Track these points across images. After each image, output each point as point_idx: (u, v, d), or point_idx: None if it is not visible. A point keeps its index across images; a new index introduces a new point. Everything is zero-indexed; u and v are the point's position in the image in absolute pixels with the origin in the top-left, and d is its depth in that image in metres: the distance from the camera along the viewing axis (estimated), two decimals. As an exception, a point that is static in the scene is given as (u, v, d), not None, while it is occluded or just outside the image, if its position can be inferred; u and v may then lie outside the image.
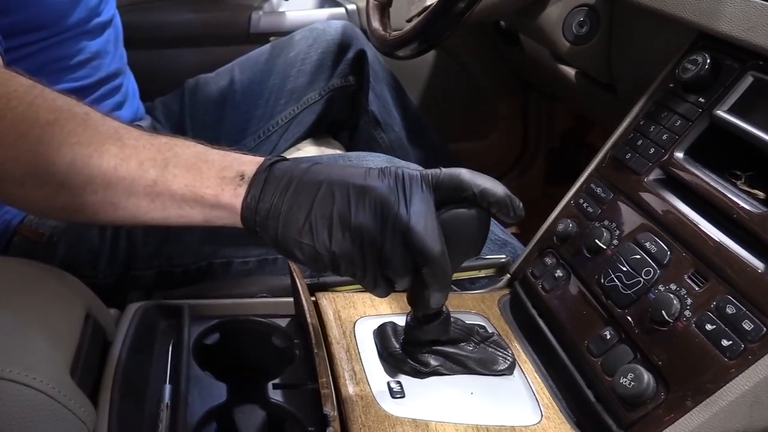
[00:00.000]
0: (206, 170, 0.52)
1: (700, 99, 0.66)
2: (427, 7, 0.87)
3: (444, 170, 0.51)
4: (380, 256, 0.49)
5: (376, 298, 0.69)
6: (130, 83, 0.99)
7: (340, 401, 0.57)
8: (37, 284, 0.52)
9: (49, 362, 0.46)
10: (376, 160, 0.88)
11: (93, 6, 0.85)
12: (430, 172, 0.51)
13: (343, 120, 1.22)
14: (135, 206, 0.53)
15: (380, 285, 0.52)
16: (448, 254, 0.50)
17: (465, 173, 0.51)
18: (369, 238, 0.49)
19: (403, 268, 0.50)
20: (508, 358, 0.63)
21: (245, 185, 0.51)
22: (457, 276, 0.77)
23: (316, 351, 0.56)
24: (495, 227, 0.94)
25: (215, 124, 1.13)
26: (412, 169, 0.52)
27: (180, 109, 1.11)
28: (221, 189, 0.52)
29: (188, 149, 0.53)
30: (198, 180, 0.52)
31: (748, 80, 0.63)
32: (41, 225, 0.77)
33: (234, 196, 0.51)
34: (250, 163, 0.53)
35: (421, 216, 0.49)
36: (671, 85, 0.71)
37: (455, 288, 0.82)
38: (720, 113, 0.63)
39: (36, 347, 0.46)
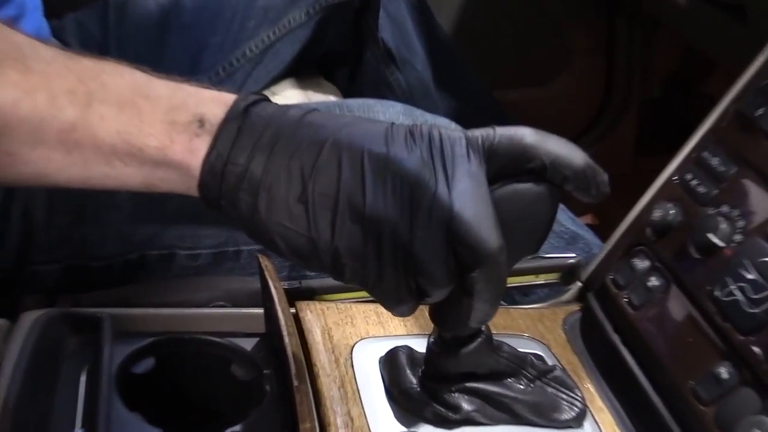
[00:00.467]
0: (149, 110, 0.52)
1: None
2: None
3: (499, 130, 0.52)
4: (408, 257, 0.50)
5: (384, 311, 0.70)
6: None
7: (330, 460, 0.58)
8: None
9: None
10: (389, 111, 0.89)
11: None
12: (480, 132, 0.52)
13: (340, 52, 1.24)
14: (43, 160, 0.53)
15: (405, 299, 0.52)
16: None
17: (529, 134, 0.52)
18: (392, 232, 0.49)
19: (445, 274, 0.51)
20: (577, 402, 0.64)
21: (207, 136, 0.51)
22: (505, 282, 0.79)
23: (296, 385, 0.57)
24: (561, 214, 0.95)
25: (153, 54, 1.14)
26: (451, 128, 0.52)
27: (102, 31, 1.12)
28: (170, 139, 0.52)
29: (123, 78, 0.53)
30: (136, 124, 0.51)
31: None
32: None
33: (189, 151, 0.51)
34: (214, 103, 0.52)
35: (470, 198, 0.49)
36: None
37: (501, 302, 0.83)
38: None
39: None
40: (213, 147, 0.51)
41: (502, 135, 0.52)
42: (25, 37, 0.54)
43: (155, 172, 0.53)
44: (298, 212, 0.49)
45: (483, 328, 0.60)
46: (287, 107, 0.54)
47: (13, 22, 0.92)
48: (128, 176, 0.53)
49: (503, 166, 0.51)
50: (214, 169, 0.51)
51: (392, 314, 0.54)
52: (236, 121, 0.51)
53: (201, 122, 0.52)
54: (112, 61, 0.54)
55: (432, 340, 0.61)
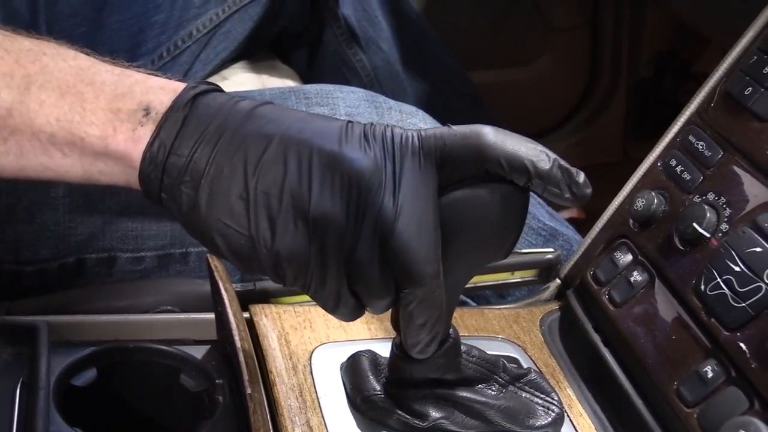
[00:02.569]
0: (92, 97, 0.53)
1: None
2: None
3: (455, 129, 0.53)
4: (350, 263, 0.52)
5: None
6: None
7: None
8: None
9: None
10: (349, 97, 0.90)
11: None
12: (434, 132, 0.53)
13: (297, 32, 1.24)
14: None
15: (345, 303, 0.54)
16: (461, 254, 0.54)
17: (487, 133, 0.53)
18: (337, 235, 0.51)
19: (382, 286, 0.53)
20: (553, 408, 0.65)
21: (151, 125, 0.53)
22: (476, 282, 0.80)
23: (249, 393, 0.58)
24: (538, 209, 0.96)
25: (88, 36, 1.13)
26: (407, 124, 0.53)
27: (30, 9, 1.11)
28: (113, 128, 0.53)
29: (65, 61, 0.54)
30: (77, 111, 0.53)
31: None
32: None
33: (131, 141, 0.53)
34: (163, 91, 0.54)
35: (412, 216, 0.51)
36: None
37: (472, 302, 0.85)
38: None
39: None
40: (156, 136, 0.52)
41: (457, 134, 0.53)
42: None
43: (96, 163, 0.54)
44: (239, 209, 0.51)
45: (450, 331, 0.62)
46: (238, 98, 0.55)
47: None
48: (67, 167, 0.55)
49: (459, 168, 0.52)
50: (155, 159, 0.52)
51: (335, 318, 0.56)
52: (183, 111, 0.52)
53: (146, 110, 0.53)
54: (54, 42, 0.56)
55: (396, 343, 0.62)
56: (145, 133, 0.53)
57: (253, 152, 0.51)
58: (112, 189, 0.79)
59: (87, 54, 0.55)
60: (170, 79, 0.55)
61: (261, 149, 0.51)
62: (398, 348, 0.62)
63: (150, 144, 0.52)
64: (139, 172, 0.53)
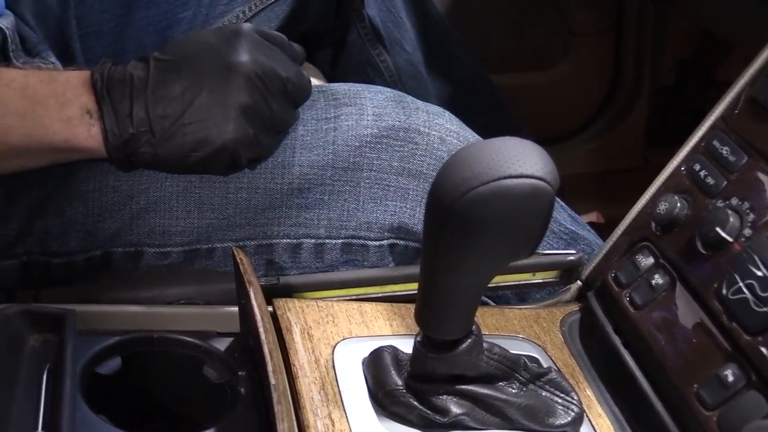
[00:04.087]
0: (45, 114, 0.72)
1: None
2: None
3: None
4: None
5: (368, 310, 0.73)
6: None
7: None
8: None
9: None
10: (377, 97, 0.90)
11: None
12: None
13: (322, 31, 1.25)
14: None
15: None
16: (486, 251, 0.55)
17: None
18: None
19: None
20: (573, 407, 0.65)
21: (97, 121, 0.74)
22: (498, 281, 0.80)
23: (273, 384, 0.59)
24: (560, 213, 0.97)
25: (117, 31, 1.14)
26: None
27: (61, 3, 1.12)
28: (71, 132, 0.74)
29: (11, 87, 0.72)
30: (40, 128, 0.72)
31: None
32: None
33: (90, 138, 0.74)
34: (84, 89, 0.74)
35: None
36: None
37: (491, 302, 0.85)
38: None
39: None
40: (105, 130, 0.75)
41: None
42: None
43: (65, 155, 0.76)
44: (194, 129, 0.76)
45: (473, 328, 0.62)
46: (123, 64, 0.79)
47: None
48: (41, 161, 0.77)
49: None
50: (115, 146, 0.76)
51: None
52: (107, 101, 0.75)
53: (89, 113, 0.75)
54: None
55: (419, 339, 0.63)
56: (97, 130, 0.75)
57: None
58: (140, 186, 0.81)
59: (14, 69, 0.76)
60: (80, 72, 0.78)
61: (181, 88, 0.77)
62: (421, 343, 0.62)
63: (105, 138, 0.76)
64: (109, 159, 0.78)
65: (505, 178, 0.53)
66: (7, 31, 0.96)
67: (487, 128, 0.94)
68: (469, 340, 0.62)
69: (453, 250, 0.57)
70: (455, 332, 0.61)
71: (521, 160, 0.53)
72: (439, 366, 0.62)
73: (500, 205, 0.53)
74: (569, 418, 0.65)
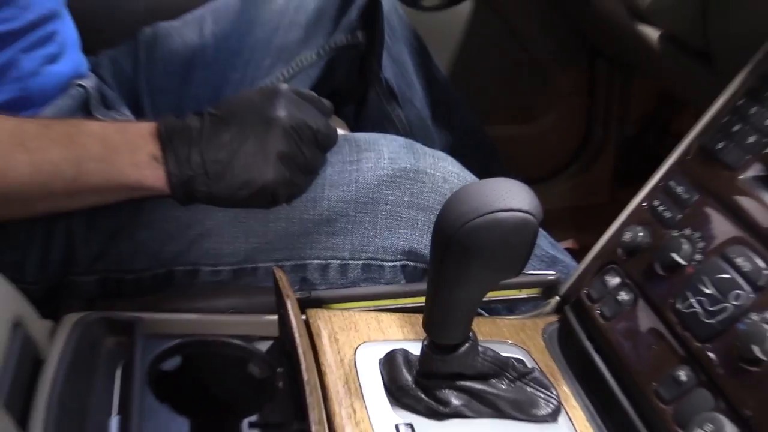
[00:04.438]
0: (119, 160, 0.74)
1: (818, 74, 0.70)
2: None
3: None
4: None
5: (384, 319, 0.73)
6: (68, 31, 1.02)
7: (335, 446, 0.60)
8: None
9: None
10: (392, 144, 0.91)
11: None
12: None
13: (347, 90, 1.25)
14: (52, 204, 0.76)
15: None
16: (481, 271, 0.55)
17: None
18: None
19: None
20: (552, 400, 0.66)
21: (162, 166, 0.76)
22: (490, 297, 0.80)
23: (306, 379, 0.59)
24: (542, 240, 0.97)
25: (178, 88, 1.15)
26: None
27: (133, 68, 1.13)
28: (141, 175, 0.77)
29: (94, 137, 0.74)
30: (115, 171, 0.74)
31: None
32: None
33: (156, 179, 0.77)
34: (151, 138, 0.77)
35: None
36: (783, 55, 0.74)
37: (484, 313, 0.85)
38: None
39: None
40: (168, 172, 0.77)
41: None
42: (13, 119, 0.74)
43: (137, 192, 0.79)
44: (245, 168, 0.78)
45: (470, 335, 0.63)
46: (182, 118, 0.81)
47: (55, 59, 0.95)
48: (117, 198, 0.80)
49: None
50: (176, 186, 0.78)
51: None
52: (171, 150, 0.77)
53: (155, 158, 0.77)
54: (71, 120, 0.77)
55: (426, 343, 0.63)
56: (162, 173, 0.77)
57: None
58: (197, 216, 0.83)
59: (96, 122, 0.79)
60: (148, 123, 0.79)
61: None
62: (428, 347, 0.63)
63: (168, 180, 0.78)
64: (171, 196, 0.79)
65: (498, 211, 0.54)
66: (90, 90, 0.97)
67: (482, 170, 0.95)
68: (467, 344, 0.62)
69: (454, 271, 0.57)
70: (456, 338, 0.62)
71: (511, 197, 0.54)
72: (443, 366, 0.63)
73: (493, 233, 0.54)
74: (549, 410, 0.65)
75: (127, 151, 0.77)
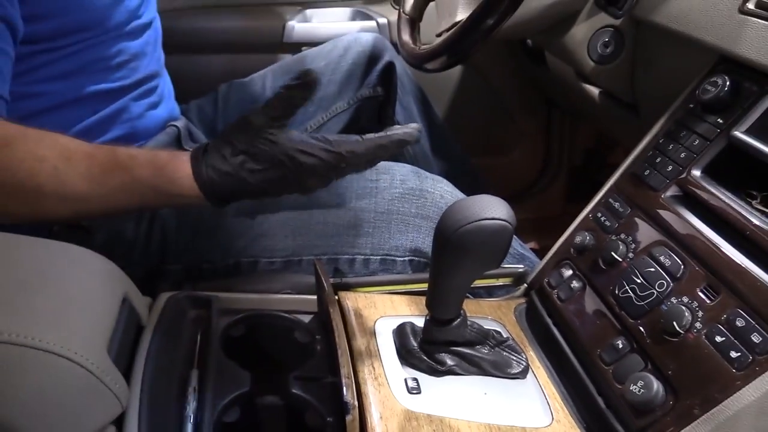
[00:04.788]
0: (164, 180, 0.64)
1: (719, 119, 0.68)
2: (456, 23, 0.90)
3: None
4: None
5: (396, 300, 0.72)
6: (166, 85, 1.02)
7: (359, 394, 0.59)
8: (79, 265, 0.55)
9: (88, 339, 0.49)
10: (402, 170, 0.91)
11: (133, 8, 0.87)
12: None
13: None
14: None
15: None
16: (469, 265, 0.54)
17: None
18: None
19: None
20: (522, 362, 0.65)
21: (197, 185, 0.65)
22: (476, 284, 0.79)
23: (338, 342, 0.59)
24: (515, 242, 0.96)
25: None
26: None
27: (213, 112, 1.14)
28: (182, 189, 0.65)
29: (145, 168, 0.65)
30: (164, 191, 0.64)
31: (767, 103, 0.65)
32: (80, 216, 0.81)
33: (195, 193, 0.65)
34: (185, 157, 0.65)
35: None
36: (691, 106, 0.73)
37: (470, 296, 0.84)
38: (738, 134, 0.65)
39: (76, 323, 0.49)
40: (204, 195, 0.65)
41: None
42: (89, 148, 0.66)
43: (177, 200, 0.67)
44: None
45: (462, 311, 0.61)
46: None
47: (156, 106, 0.94)
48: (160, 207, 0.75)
49: None
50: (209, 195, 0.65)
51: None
52: (205, 184, 0.64)
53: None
54: (131, 152, 0.66)
55: (428, 318, 0.62)
56: (197, 190, 0.64)
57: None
58: (257, 220, 0.83)
59: (139, 156, 0.66)
60: (180, 160, 0.66)
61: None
62: (429, 321, 0.62)
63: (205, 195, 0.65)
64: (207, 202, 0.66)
65: (483, 220, 0.53)
66: (181, 129, 0.97)
67: (468, 189, 0.94)
68: (458, 319, 0.62)
69: (450, 264, 0.57)
70: (450, 314, 0.61)
71: (493, 209, 0.53)
72: (440, 335, 0.62)
73: (479, 236, 0.53)
74: (520, 369, 0.65)
75: (169, 172, 0.65)
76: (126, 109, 0.88)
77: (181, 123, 1.00)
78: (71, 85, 0.80)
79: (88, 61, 0.82)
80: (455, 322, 0.61)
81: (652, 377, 0.57)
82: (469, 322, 0.63)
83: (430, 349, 0.63)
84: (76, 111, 0.82)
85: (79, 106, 0.82)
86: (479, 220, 0.53)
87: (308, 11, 1.45)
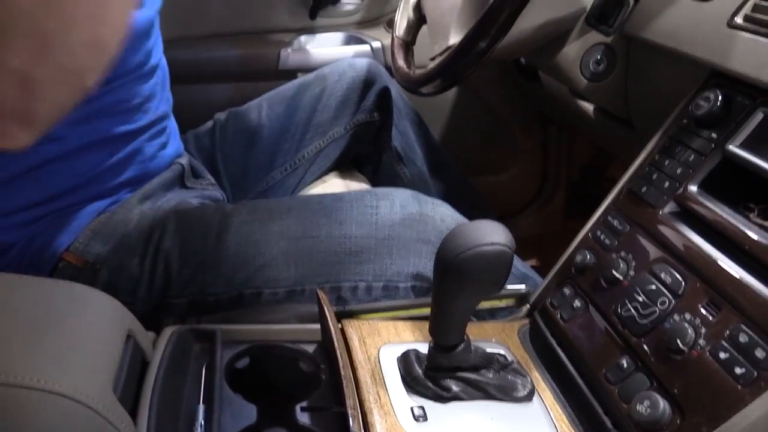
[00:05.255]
0: None
1: (713, 134, 0.69)
2: (450, 47, 0.91)
3: None
4: None
5: (399, 326, 0.72)
6: (173, 124, 1.03)
7: (366, 423, 0.59)
8: (83, 305, 0.56)
9: (94, 378, 0.49)
10: (401, 195, 0.91)
11: (149, 49, 0.88)
12: None
13: (366, 154, 1.25)
14: None
15: None
16: (474, 288, 0.55)
17: None
18: None
19: None
20: (527, 384, 0.64)
21: None
22: (479, 306, 0.79)
23: (342, 373, 0.58)
24: (516, 261, 0.96)
25: (244, 156, 1.16)
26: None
27: (210, 142, 1.15)
28: None
29: None
30: None
31: (759, 116, 0.66)
32: (86, 252, 0.81)
33: None
34: None
35: None
36: (685, 121, 0.74)
37: (474, 318, 0.84)
38: (732, 148, 0.65)
39: (81, 363, 0.49)
40: None
41: None
42: None
43: None
44: None
45: (465, 337, 0.61)
46: None
47: (165, 146, 0.95)
48: None
49: None
50: None
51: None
52: None
53: None
54: None
55: (432, 345, 0.62)
56: None
57: None
58: (259, 251, 0.82)
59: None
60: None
61: None
62: (433, 348, 0.62)
63: None
64: None
65: (483, 245, 0.53)
66: (185, 166, 0.98)
67: (468, 210, 0.95)
68: (462, 345, 0.61)
69: (452, 290, 0.57)
70: (454, 340, 0.61)
71: (493, 234, 0.54)
72: (444, 361, 0.62)
73: (479, 263, 0.54)
74: (526, 392, 0.64)
75: None
76: (140, 150, 0.89)
77: (184, 160, 1.01)
78: (91, 128, 0.81)
79: (108, 104, 0.82)
80: (459, 348, 0.61)
81: (658, 396, 0.57)
82: (472, 347, 0.63)
83: (435, 375, 0.62)
84: (96, 154, 0.83)
85: (98, 149, 0.83)
86: (478, 246, 0.53)
87: (302, 38, 1.46)
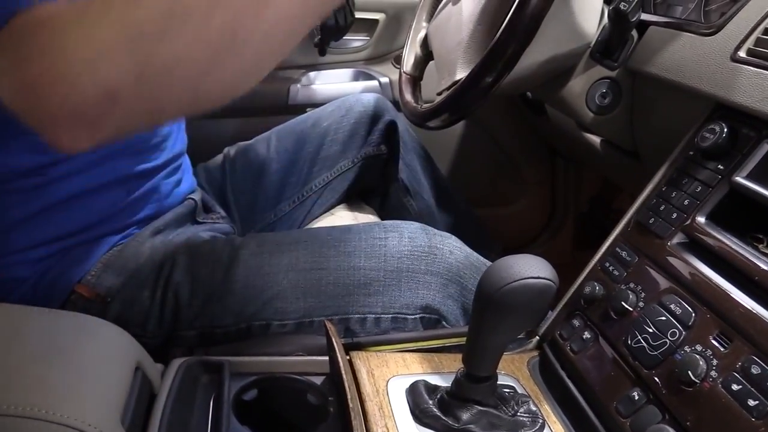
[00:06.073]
0: None
1: (719, 166, 0.69)
2: (456, 82, 0.92)
3: None
4: None
5: (408, 358, 0.72)
6: (186, 160, 1.04)
7: (374, 457, 0.58)
8: (92, 336, 0.56)
9: (102, 410, 0.49)
10: (410, 228, 0.91)
11: None
12: None
13: (374, 187, 1.26)
14: None
15: None
16: (512, 323, 0.55)
17: None
18: None
19: None
20: (539, 420, 0.64)
21: None
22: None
23: (351, 407, 0.58)
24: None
25: (253, 189, 1.17)
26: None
27: (221, 175, 1.16)
28: None
29: None
30: None
31: (765, 148, 0.66)
32: (97, 285, 0.81)
33: None
34: None
35: None
36: (691, 153, 0.74)
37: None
38: (739, 179, 0.66)
39: (89, 394, 0.50)
40: None
41: None
42: None
43: None
44: None
45: (495, 373, 0.61)
46: None
47: (180, 183, 0.96)
48: None
49: None
50: None
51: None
52: None
53: None
54: None
55: (462, 373, 0.62)
56: None
57: None
58: (267, 284, 0.82)
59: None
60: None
61: None
62: (463, 376, 0.61)
63: None
64: None
65: (528, 278, 0.54)
66: (198, 201, 0.99)
67: (474, 243, 0.95)
68: (492, 379, 0.61)
69: (491, 322, 0.57)
70: (486, 371, 0.61)
71: (537, 268, 0.54)
72: (470, 392, 0.61)
73: (524, 295, 0.54)
74: (536, 427, 0.63)
75: None
76: (157, 188, 0.90)
77: (196, 195, 1.02)
78: (111, 167, 0.82)
79: (128, 143, 0.84)
80: (490, 381, 0.60)
81: (670, 429, 0.56)
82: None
83: (453, 403, 0.62)
84: (114, 192, 0.84)
85: (117, 188, 0.84)
86: (525, 278, 0.53)
87: (312, 73, 1.49)
